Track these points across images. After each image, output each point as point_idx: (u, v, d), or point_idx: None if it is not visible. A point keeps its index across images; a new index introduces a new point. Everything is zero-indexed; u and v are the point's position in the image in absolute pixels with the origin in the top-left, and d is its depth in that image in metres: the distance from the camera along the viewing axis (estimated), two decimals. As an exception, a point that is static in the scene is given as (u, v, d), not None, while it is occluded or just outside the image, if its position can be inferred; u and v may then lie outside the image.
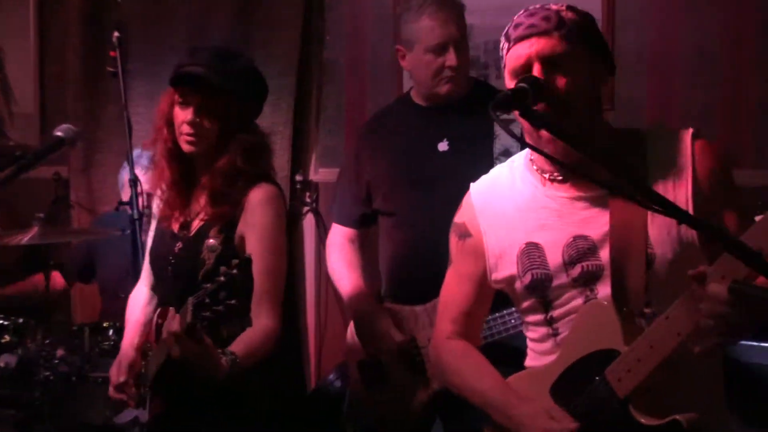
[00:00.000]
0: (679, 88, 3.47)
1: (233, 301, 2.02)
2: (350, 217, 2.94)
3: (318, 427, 3.17)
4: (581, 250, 1.90)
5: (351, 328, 2.89)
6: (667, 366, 1.78)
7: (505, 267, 2.00)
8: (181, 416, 2.47)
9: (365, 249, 2.98)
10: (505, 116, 1.77)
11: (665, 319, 1.76)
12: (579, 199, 1.92)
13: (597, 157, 1.75)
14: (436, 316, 2.18)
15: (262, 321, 2.38)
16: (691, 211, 1.85)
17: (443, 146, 2.76)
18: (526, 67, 1.86)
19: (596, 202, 1.91)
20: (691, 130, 1.92)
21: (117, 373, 2.54)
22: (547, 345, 1.98)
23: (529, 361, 2.06)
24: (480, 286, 2.07)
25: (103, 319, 3.44)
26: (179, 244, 2.54)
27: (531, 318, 2.01)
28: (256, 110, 2.58)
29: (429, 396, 2.68)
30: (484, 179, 2.10)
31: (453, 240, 2.12)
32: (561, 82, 1.85)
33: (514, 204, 2.00)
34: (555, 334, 1.96)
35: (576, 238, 1.91)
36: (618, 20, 3.52)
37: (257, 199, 2.47)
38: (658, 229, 1.86)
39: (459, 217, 2.11)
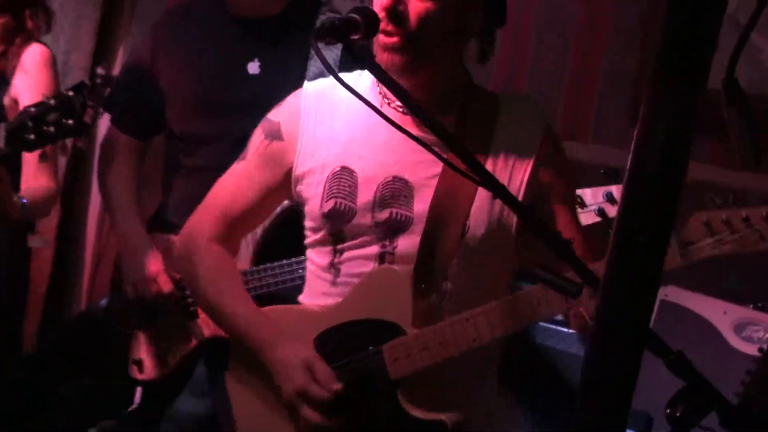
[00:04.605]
0: (532, 51, 3.60)
1: (70, 122, 2.09)
2: (135, 124, 2.78)
3: (77, 351, 3.13)
4: (396, 193, 1.90)
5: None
6: (449, 363, 1.84)
7: (310, 183, 1.98)
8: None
9: (144, 161, 2.84)
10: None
11: (466, 321, 1.81)
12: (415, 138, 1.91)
13: (421, 114, 1.72)
14: (200, 207, 2.10)
15: (44, 181, 2.53)
16: (521, 194, 1.90)
17: (253, 68, 2.63)
18: None
19: (433, 147, 1.92)
20: (545, 121, 1.98)
21: None
22: (325, 283, 1.99)
23: (304, 297, 2.06)
24: (267, 197, 2.05)
25: None
26: None
27: (317, 248, 2.01)
28: None
29: (197, 343, 2.65)
30: (320, 82, 2.04)
31: (257, 136, 2.06)
32: (416, 7, 1.84)
33: (346, 120, 1.97)
34: (336, 273, 1.96)
35: (396, 179, 1.91)
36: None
37: (36, 60, 2.49)
38: (483, 203, 1.89)
39: (276, 115, 2.05)
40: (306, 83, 2.04)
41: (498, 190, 1.66)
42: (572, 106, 3.55)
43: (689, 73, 0.93)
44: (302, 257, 2.50)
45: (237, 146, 2.44)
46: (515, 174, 1.92)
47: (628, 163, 0.98)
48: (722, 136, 1.35)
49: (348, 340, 1.92)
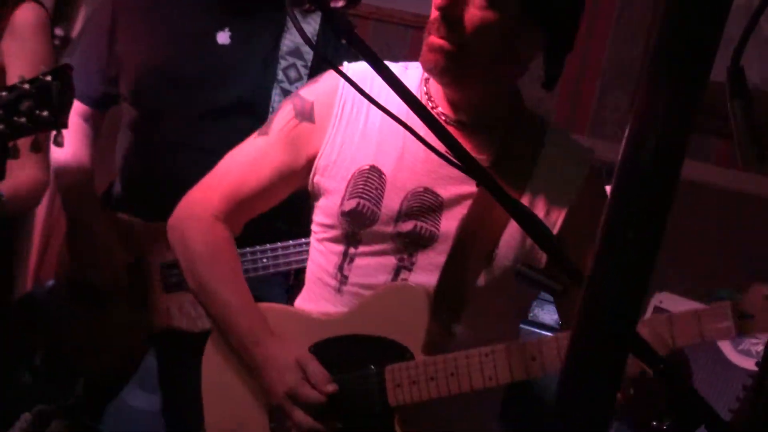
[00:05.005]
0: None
1: (45, 113, 1.92)
2: (89, 93, 2.68)
3: (18, 334, 3.11)
4: (425, 206, 1.85)
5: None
6: (457, 396, 1.78)
7: (332, 177, 1.92)
8: None
9: (101, 131, 2.77)
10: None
11: (485, 356, 1.75)
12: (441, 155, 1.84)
13: (429, 121, 1.52)
14: (208, 179, 2.03)
15: (31, 171, 2.40)
16: (555, 231, 1.85)
17: (223, 37, 2.54)
18: None
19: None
20: (592, 161, 1.92)
21: None
22: (328, 289, 1.94)
23: (302, 301, 2.01)
24: (282, 181, 1.98)
25: None
26: None
27: (324, 249, 1.94)
28: None
29: (146, 334, 2.60)
30: (363, 65, 1.93)
31: (286, 113, 1.98)
32: (474, 15, 1.77)
33: (383, 115, 1.81)
34: (343, 281, 1.91)
35: (427, 191, 1.86)
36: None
37: (27, 20, 2.37)
38: (515, 233, 1.84)
39: (310, 92, 1.97)
40: (346, 64, 1.96)
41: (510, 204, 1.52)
42: (571, 99, 3.56)
43: (691, 61, 0.89)
44: (267, 246, 2.50)
45: (199, 121, 2.49)
46: (552, 210, 1.88)
47: (620, 153, 0.98)
48: (728, 135, 1.35)
49: (347, 355, 1.87)
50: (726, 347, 2.73)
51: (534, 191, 1.88)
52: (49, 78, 1.94)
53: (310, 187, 1.98)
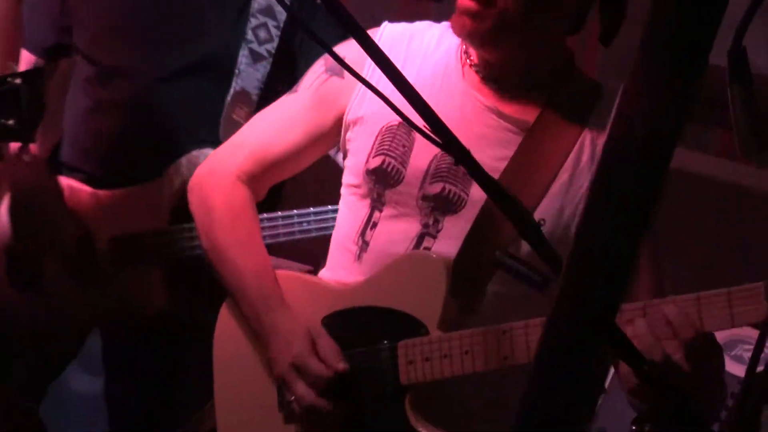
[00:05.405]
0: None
1: (11, 122, 1.81)
2: (40, 41, 2.60)
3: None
4: (455, 168, 1.82)
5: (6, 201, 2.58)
6: (472, 378, 1.74)
7: (360, 132, 1.91)
8: None
9: (49, 87, 2.59)
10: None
11: (502, 333, 1.69)
12: (493, 112, 1.84)
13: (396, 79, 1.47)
14: (233, 140, 2.04)
15: None
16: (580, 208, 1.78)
17: None
18: None
19: (511, 129, 1.83)
20: None
21: None
22: (348, 256, 1.93)
23: (325, 270, 2.01)
24: (311, 142, 1.98)
25: None
26: None
27: (349, 212, 1.94)
28: None
29: (93, 311, 2.56)
30: (401, 26, 1.96)
31: (316, 69, 2.00)
32: None
33: (417, 73, 1.88)
34: (363, 247, 1.90)
35: None
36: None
37: None
38: (553, 203, 1.80)
39: (342, 48, 1.86)
40: (385, 23, 1.96)
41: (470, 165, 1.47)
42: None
43: (687, 44, 0.89)
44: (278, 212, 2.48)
45: (159, 80, 2.44)
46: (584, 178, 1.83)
47: (608, 132, 0.97)
48: (730, 125, 1.31)
49: (360, 328, 1.86)
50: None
51: (576, 162, 1.83)
52: (18, 81, 1.81)
53: (341, 146, 1.97)
